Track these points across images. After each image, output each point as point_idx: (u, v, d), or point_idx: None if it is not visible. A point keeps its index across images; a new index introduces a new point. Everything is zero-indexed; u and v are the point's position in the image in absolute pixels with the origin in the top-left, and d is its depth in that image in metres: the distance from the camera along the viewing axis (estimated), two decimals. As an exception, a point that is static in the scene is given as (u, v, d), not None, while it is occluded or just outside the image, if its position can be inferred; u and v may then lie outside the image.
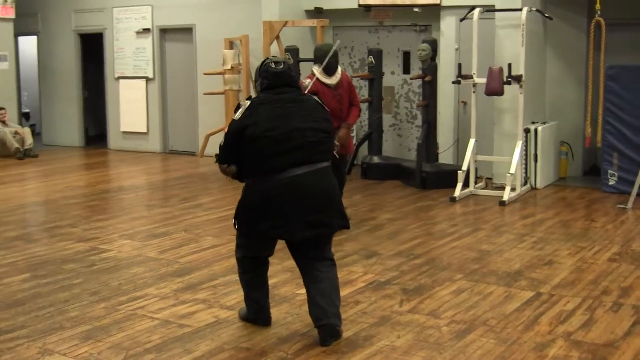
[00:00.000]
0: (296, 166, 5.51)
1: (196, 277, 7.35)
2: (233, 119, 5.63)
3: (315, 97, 5.93)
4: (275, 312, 6.19)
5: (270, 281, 6.60)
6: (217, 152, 5.77)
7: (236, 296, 6.54)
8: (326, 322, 5.60)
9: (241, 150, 5.56)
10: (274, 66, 5.73)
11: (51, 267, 7.79)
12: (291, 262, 7.57)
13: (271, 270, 6.96)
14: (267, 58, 5.90)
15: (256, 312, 6.02)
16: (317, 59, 9.10)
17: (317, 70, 8.94)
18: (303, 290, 6.74)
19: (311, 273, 5.73)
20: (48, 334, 5.87)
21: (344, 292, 6.73)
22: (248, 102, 5.66)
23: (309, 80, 8.87)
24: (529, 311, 6.33)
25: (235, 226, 5.78)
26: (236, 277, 6.16)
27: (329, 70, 8.96)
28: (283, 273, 7.29)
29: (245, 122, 5.52)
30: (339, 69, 9.14)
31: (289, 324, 6.05)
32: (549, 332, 5.85)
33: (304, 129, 5.57)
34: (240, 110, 5.63)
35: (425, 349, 5.52)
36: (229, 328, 5.99)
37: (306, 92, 8.34)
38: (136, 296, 6.79)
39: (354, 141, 13.82)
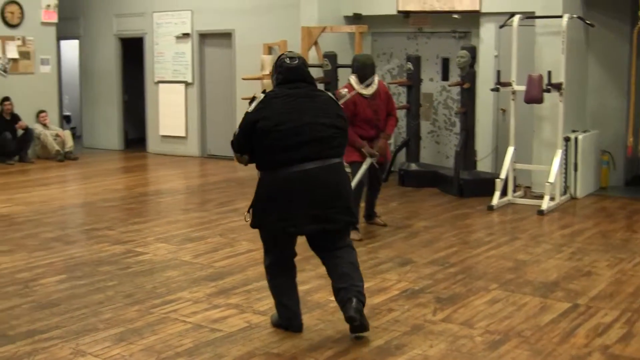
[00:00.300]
0: (307, 161, 5.59)
1: (230, 282, 7.33)
2: (247, 111, 5.70)
3: (330, 94, 6.00)
4: (307, 319, 6.14)
5: (304, 287, 6.60)
6: (232, 140, 5.86)
7: (269, 301, 6.46)
8: (349, 297, 5.65)
9: (253, 142, 5.64)
10: (288, 61, 5.81)
11: (87, 268, 7.82)
12: (324, 271, 7.59)
13: (305, 276, 6.99)
14: (283, 53, 5.95)
15: (288, 318, 5.99)
16: (354, 69, 9.17)
17: (353, 80, 9.03)
18: (336, 297, 6.75)
19: (330, 261, 5.82)
20: (81, 335, 5.88)
21: (377, 299, 6.73)
22: (262, 96, 5.74)
23: (345, 90, 8.93)
24: (565, 323, 6.23)
25: (245, 219, 5.83)
26: (270, 281, 6.17)
27: (365, 81, 9.01)
28: (317, 279, 7.22)
29: (258, 115, 5.61)
30: (376, 79, 9.17)
31: (321, 331, 6.00)
32: (585, 345, 5.74)
33: (315, 124, 5.65)
34: (254, 103, 5.71)
35: (458, 359, 5.45)
36: (261, 333, 5.95)
37: (341, 102, 8.45)
38: (169, 299, 6.79)
39: (392, 148, 13.81)
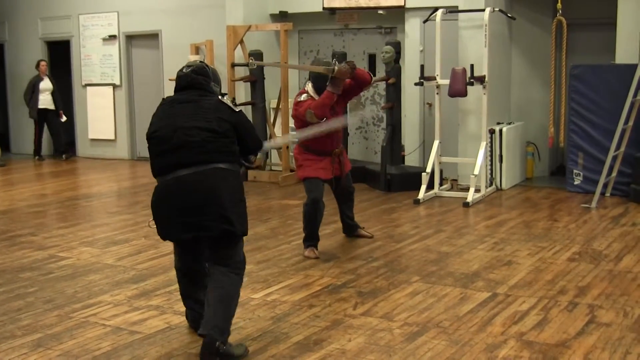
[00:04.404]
0: (181, 167, 5.41)
1: (152, 284, 7.29)
2: None
3: (223, 99, 5.72)
4: (227, 317, 6.13)
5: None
6: None
7: (190, 302, 6.46)
8: (204, 333, 5.33)
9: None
10: (182, 71, 5.80)
11: (8, 276, 7.70)
12: (247, 269, 7.57)
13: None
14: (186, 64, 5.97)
15: (193, 321, 5.92)
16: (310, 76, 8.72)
17: (309, 88, 8.50)
18: (257, 295, 6.78)
19: (210, 278, 5.56)
20: (-3, 343, 5.82)
21: (298, 296, 6.75)
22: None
23: (304, 95, 8.40)
24: (484, 312, 6.30)
25: (149, 226, 5.75)
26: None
27: (317, 89, 8.40)
28: (239, 278, 7.20)
29: (151, 123, 5.68)
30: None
31: (240, 329, 5.98)
32: (502, 333, 5.82)
33: (187, 128, 5.45)
34: None
35: (375, 352, 5.48)
36: (180, 334, 5.94)
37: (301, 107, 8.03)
38: (90, 303, 6.73)
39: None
